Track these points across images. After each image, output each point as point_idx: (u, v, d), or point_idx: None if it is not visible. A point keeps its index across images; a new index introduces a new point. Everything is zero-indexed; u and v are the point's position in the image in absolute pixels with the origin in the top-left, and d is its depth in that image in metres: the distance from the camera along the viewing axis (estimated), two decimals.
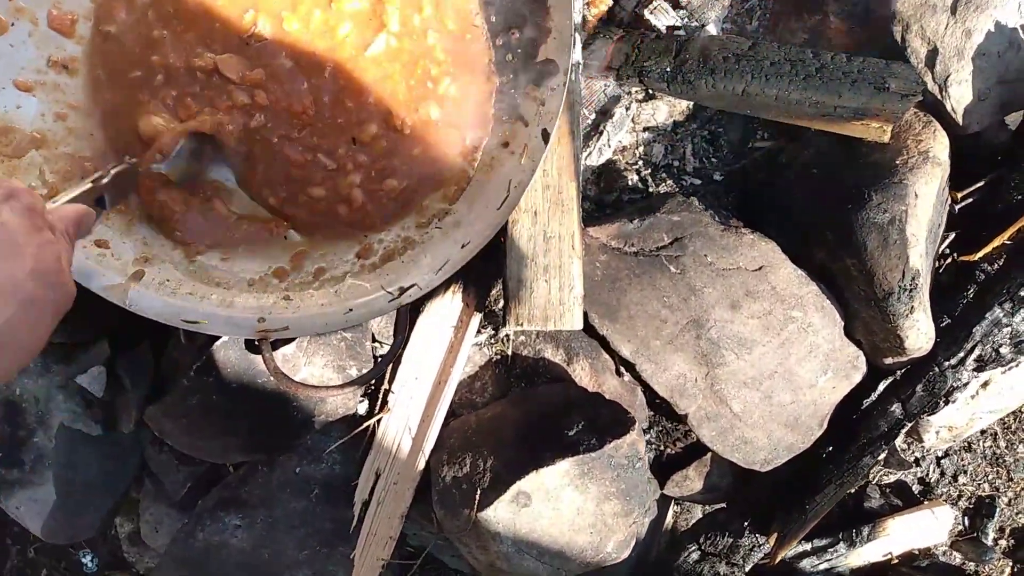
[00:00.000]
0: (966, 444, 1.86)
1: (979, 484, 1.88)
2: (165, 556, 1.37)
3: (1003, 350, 1.34)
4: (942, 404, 1.38)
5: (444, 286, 1.34)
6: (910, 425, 1.36)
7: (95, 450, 1.43)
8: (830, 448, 1.42)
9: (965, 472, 1.87)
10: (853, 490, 1.60)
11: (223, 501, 1.33)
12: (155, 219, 1.14)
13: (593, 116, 1.41)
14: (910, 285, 1.19)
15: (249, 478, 1.33)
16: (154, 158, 1.06)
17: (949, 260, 1.56)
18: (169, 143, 1.07)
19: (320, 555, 1.38)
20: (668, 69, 1.26)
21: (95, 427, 1.40)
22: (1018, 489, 1.89)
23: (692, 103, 1.41)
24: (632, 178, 1.44)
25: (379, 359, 1.36)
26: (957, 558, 1.91)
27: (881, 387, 1.43)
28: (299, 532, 1.35)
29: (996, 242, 1.37)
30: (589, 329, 1.33)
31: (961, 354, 1.28)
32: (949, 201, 1.34)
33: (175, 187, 1.12)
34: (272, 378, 1.15)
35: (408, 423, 1.33)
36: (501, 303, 1.30)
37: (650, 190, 1.43)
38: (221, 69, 1.10)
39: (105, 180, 0.90)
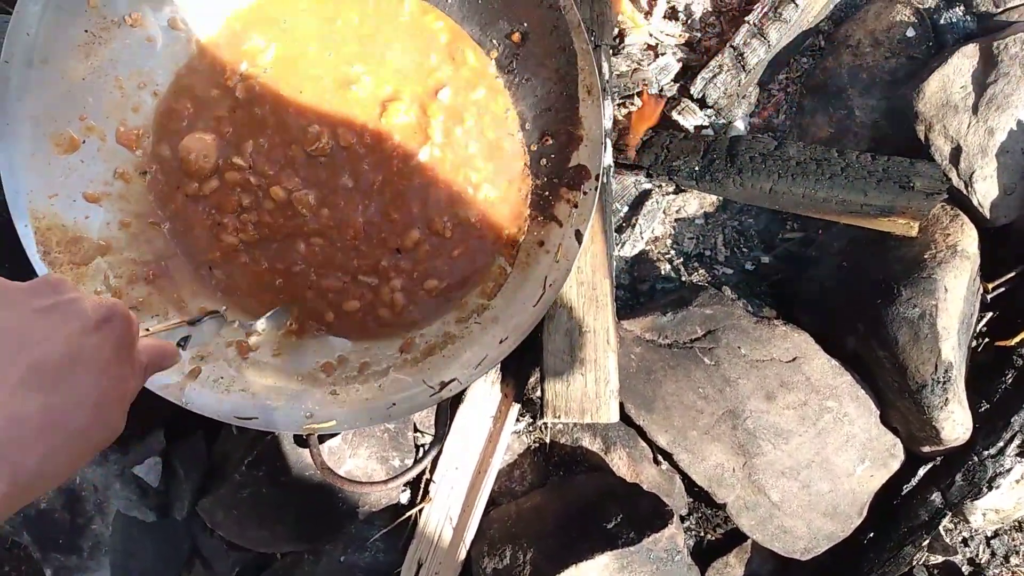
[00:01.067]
0: (1016, 524, 1.82)
1: None
2: None
3: None
4: (985, 491, 1.37)
5: (484, 377, 1.38)
6: (951, 513, 1.35)
7: (150, 536, 1.48)
8: (871, 535, 1.41)
9: (1017, 553, 1.82)
10: None
11: None
12: None
13: (626, 209, 1.46)
14: (943, 378, 1.20)
15: (296, 567, 1.37)
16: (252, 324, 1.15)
17: (987, 341, 1.56)
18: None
19: None
20: (696, 168, 1.31)
21: (150, 514, 1.45)
22: None
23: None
24: (665, 267, 1.48)
25: (421, 448, 1.40)
26: None
27: (921, 472, 1.42)
28: None
29: None
30: (626, 419, 1.36)
31: (1000, 444, 1.28)
32: (981, 291, 1.35)
33: None
34: (319, 471, 1.20)
35: (449, 513, 1.36)
36: (539, 393, 1.34)
37: (682, 279, 1.46)
38: (295, 202, 1.20)
39: (196, 322, 0.94)
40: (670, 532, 1.23)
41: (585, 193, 1.20)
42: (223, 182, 1.22)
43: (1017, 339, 1.41)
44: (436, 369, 1.21)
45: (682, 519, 1.48)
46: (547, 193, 1.24)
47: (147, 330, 0.77)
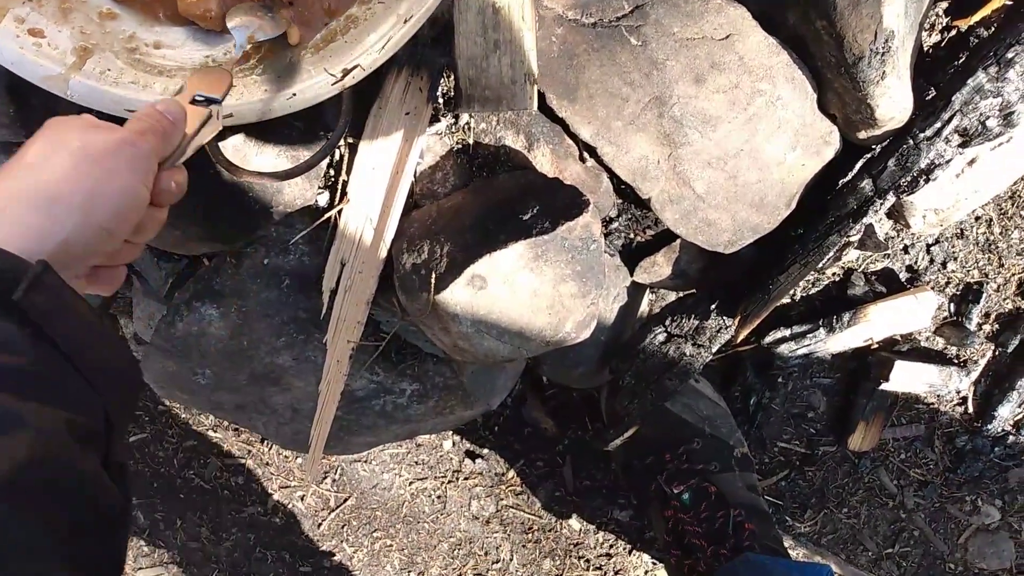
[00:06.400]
0: (959, 231, 1.83)
1: (968, 271, 1.86)
2: (150, 347, 1.44)
3: (990, 122, 1.26)
4: (921, 182, 1.32)
5: (395, 72, 1.29)
6: (883, 203, 1.31)
7: None
8: (800, 230, 1.40)
9: (955, 259, 1.84)
10: (821, 270, 1.58)
11: (197, 293, 1.38)
12: None
13: None
14: (882, 48, 1.11)
15: (220, 269, 1.36)
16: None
17: (954, 32, 1.45)
18: None
19: (298, 341, 1.43)
20: None
21: None
22: (1008, 275, 1.87)
23: None
24: None
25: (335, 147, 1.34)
26: (940, 343, 1.93)
27: (858, 166, 1.37)
28: (274, 320, 1.40)
29: (994, 3, 1.26)
30: (549, 113, 1.28)
31: (938, 124, 1.21)
32: None
33: None
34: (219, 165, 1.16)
35: (369, 213, 1.33)
36: (453, 83, 1.25)
37: None
38: None
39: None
40: (585, 220, 1.20)
41: None
42: None
43: (977, 16, 1.30)
44: (338, 56, 1.13)
45: (611, 220, 1.45)
46: None
47: None
